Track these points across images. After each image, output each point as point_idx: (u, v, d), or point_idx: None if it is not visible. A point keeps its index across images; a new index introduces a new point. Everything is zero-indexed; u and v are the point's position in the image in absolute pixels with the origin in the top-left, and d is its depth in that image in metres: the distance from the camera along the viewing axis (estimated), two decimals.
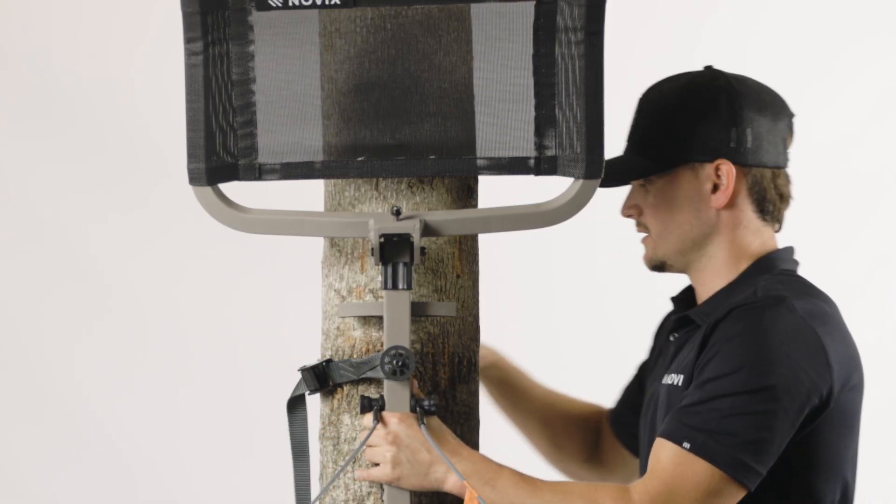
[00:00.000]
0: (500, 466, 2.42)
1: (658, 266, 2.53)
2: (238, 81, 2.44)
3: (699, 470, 2.29)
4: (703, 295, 2.50)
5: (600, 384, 4.71)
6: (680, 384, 2.40)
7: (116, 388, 4.84)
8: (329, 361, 2.53)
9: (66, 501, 4.83)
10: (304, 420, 2.55)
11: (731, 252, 2.46)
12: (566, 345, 4.41)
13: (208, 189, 2.46)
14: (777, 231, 2.51)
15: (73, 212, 4.85)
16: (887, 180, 4.67)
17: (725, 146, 2.41)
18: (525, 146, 2.46)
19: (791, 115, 2.49)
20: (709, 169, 2.43)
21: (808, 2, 4.68)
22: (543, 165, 2.46)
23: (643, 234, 2.54)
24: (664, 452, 2.32)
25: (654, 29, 4.69)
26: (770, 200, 2.45)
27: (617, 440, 2.84)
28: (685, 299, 2.58)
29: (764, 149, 2.42)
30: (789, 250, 2.51)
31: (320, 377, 2.52)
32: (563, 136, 2.44)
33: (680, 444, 2.30)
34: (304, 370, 2.52)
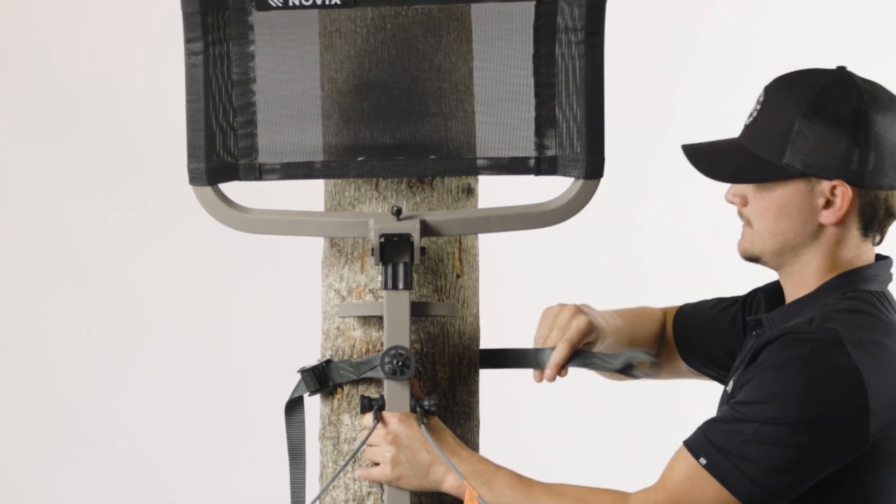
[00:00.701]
0: (498, 467, 2.41)
1: (753, 259, 2.45)
2: (238, 81, 2.44)
3: (709, 489, 2.27)
4: (788, 297, 2.44)
5: (600, 383, 4.72)
6: (730, 391, 2.39)
7: (116, 388, 4.84)
8: (329, 362, 2.53)
9: (66, 501, 4.83)
10: (302, 422, 2.55)
11: (823, 264, 2.39)
12: None
13: (208, 189, 2.46)
14: (877, 244, 2.43)
15: (73, 212, 4.85)
16: None
17: (846, 167, 2.33)
18: (525, 146, 2.46)
19: None
20: (825, 185, 2.34)
21: (808, 2, 4.68)
22: (543, 165, 2.46)
23: (743, 224, 2.45)
24: (679, 464, 2.31)
25: (654, 29, 4.70)
26: (878, 220, 2.38)
27: (675, 349, 2.77)
28: (774, 292, 2.51)
29: (884, 172, 2.34)
30: (880, 265, 2.43)
31: (320, 378, 2.52)
32: (564, 136, 2.44)
33: (697, 458, 2.28)
34: (303, 371, 2.52)
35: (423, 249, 2.47)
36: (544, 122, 2.45)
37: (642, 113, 4.52)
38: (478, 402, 2.60)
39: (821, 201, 2.36)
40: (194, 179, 2.46)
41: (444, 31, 2.49)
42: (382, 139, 2.48)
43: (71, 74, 4.81)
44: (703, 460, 2.28)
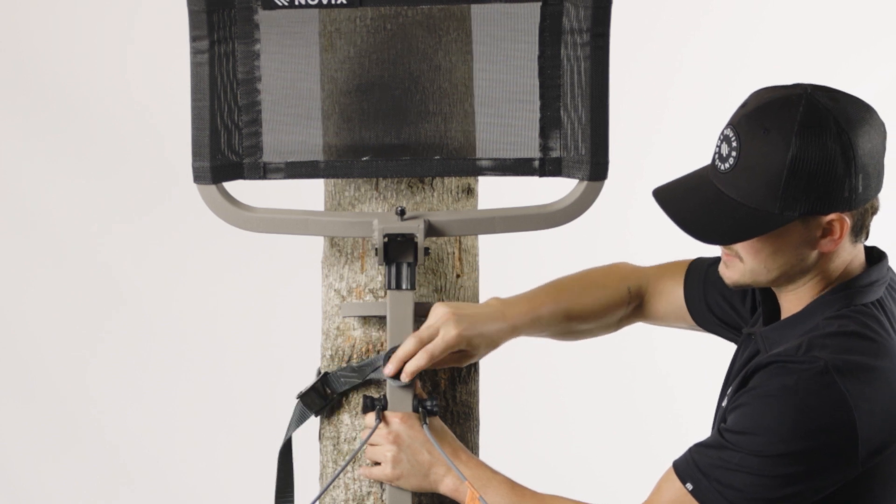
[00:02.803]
0: (494, 473, 2.42)
1: (742, 288, 2.43)
2: (243, 80, 2.44)
3: None
4: (784, 311, 2.41)
5: (600, 383, 4.73)
6: (725, 407, 2.38)
7: (117, 388, 4.84)
8: (326, 374, 2.52)
9: (64, 499, 4.83)
10: (291, 461, 2.56)
11: (818, 280, 2.35)
12: (565, 344, 4.41)
13: (213, 187, 2.45)
14: (864, 241, 2.39)
15: (74, 211, 4.84)
16: (887, 183, 4.67)
17: (839, 198, 2.28)
18: (529, 147, 2.46)
19: (885, 131, 2.35)
20: (822, 219, 2.30)
21: (810, 9, 4.69)
22: (548, 167, 2.46)
23: (728, 255, 2.39)
24: (667, 487, 2.31)
25: (659, 31, 4.70)
26: (866, 224, 2.35)
27: (685, 305, 2.70)
28: (772, 295, 2.46)
29: (871, 187, 2.31)
30: (874, 271, 2.38)
31: (322, 394, 2.51)
32: (568, 138, 2.44)
33: (684, 483, 2.28)
34: (303, 396, 2.52)
35: (426, 250, 2.47)
36: (549, 123, 2.45)
37: (646, 114, 4.52)
38: (478, 402, 2.61)
39: (817, 233, 2.31)
40: (199, 178, 2.45)
41: (444, 31, 2.49)
42: (387, 139, 2.48)
43: (71, 75, 4.81)
44: (689, 486, 2.27)
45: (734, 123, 2.30)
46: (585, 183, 2.45)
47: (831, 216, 2.29)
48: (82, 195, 4.82)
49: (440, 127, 2.48)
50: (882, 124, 2.33)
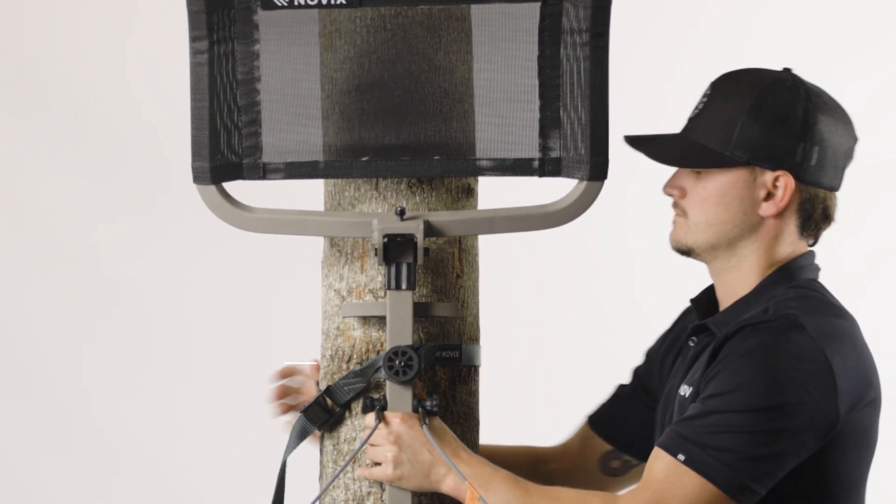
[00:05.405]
0: (496, 470, 2.42)
1: (684, 251, 2.47)
2: (243, 80, 2.44)
3: (690, 483, 2.28)
4: (724, 300, 2.46)
5: (600, 383, 4.72)
6: (688, 396, 2.39)
7: (117, 389, 4.84)
8: (329, 388, 2.52)
9: (63, 499, 4.83)
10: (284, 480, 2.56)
11: (760, 260, 2.41)
12: (566, 345, 4.42)
13: (212, 188, 2.46)
14: (811, 246, 2.47)
15: (76, 212, 4.85)
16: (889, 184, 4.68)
17: (791, 159, 2.36)
18: (529, 147, 2.46)
19: (856, 140, 2.44)
20: (768, 176, 2.38)
21: (810, 6, 4.69)
22: (547, 167, 2.47)
23: (677, 214, 2.48)
24: (658, 464, 2.32)
25: (658, 31, 4.70)
26: (814, 220, 2.41)
27: (602, 440, 2.81)
28: (704, 300, 2.54)
29: (825, 170, 2.38)
30: (810, 255, 2.47)
31: (325, 407, 2.51)
32: (568, 138, 2.44)
33: (675, 455, 2.30)
34: (306, 410, 2.51)
35: (426, 250, 2.47)
36: (548, 123, 2.45)
37: (646, 114, 4.52)
38: (478, 402, 2.60)
39: (762, 193, 2.39)
40: (198, 178, 2.45)
41: (444, 31, 2.49)
42: (386, 139, 2.48)
43: (71, 75, 4.82)
44: (681, 456, 2.29)
45: (714, 80, 2.42)
46: (585, 183, 2.45)
47: (778, 173, 2.36)
48: (82, 195, 4.82)
49: (440, 127, 2.48)
50: (854, 133, 2.42)
